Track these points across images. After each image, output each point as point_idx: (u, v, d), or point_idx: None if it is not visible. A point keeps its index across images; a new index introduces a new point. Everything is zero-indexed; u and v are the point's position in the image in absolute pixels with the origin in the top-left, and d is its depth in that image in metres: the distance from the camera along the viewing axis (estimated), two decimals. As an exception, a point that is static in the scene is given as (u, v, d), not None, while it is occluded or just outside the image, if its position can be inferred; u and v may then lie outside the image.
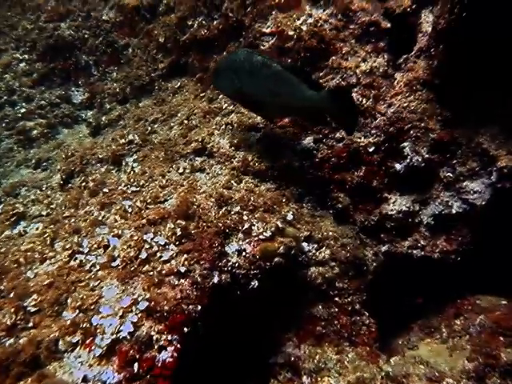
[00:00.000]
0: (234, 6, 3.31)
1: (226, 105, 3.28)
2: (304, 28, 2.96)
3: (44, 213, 3.14)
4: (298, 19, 3.00)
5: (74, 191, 3.12)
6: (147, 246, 2.27)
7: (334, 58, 2.86)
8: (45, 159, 4.15)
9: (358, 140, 2.72)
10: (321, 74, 2.89)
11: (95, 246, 2.39)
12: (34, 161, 4.21)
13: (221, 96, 3.45)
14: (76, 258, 2.33)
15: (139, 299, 1.93)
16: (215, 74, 2.92)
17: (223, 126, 3.14)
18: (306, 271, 2.44)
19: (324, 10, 2.96)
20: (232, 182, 2.77)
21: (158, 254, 2.23)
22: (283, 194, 2.72)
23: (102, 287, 2.09)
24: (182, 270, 2.13)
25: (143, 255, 2.22)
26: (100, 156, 3.43)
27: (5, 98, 4.67)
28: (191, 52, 3.73)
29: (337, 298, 2.44)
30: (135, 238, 2.32)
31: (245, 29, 3.29)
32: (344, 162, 2.72)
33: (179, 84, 3.86)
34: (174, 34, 3.77)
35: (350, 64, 2.83)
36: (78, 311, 1.96)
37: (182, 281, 2.06)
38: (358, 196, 2.73)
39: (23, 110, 4.55)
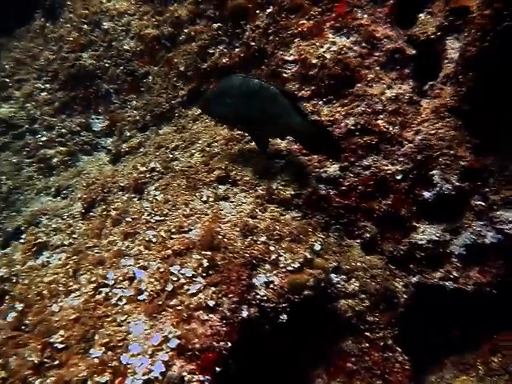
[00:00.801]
0: (255, 34, 3.34)
1: (249, 132, 3.26)
2: (328, 56, 2.96)
3: (66, 242, 3.12)
4: (322, 47, 3.01)
5: (96, 220, 3.09)
6: (174, 278, 2.22)
7: (359, 85, 2.85)
8: (65, 187, 4.18)
9: (385, 168, 2.67)
10: (345, 100, 2.87)
11: (120, 278, 2.34)
12: (53, 189, 4.24)
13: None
14: (101, 292, 2.28)
15: (169, 336, 1.86)
16: (209, 101, 3.01)
17: (246, 153, 3.12)
18: (335, 304, 2.36)
19: (348, 38, 2.96)
20: (257, 210, 2.73)
21: (186, 287, 2.17)
22: (309, 223, 2.67)
23: (130, 322, 2.03)
24: (211, 303, 2.07)
25: (170, 288, 2.16)
26: (121, 184, 3.42)
27: (26, 126, 4.76)
28: (212, 79, 3.76)
29: (368, 333, 2.35)
30: (161, 269, 2.27)
31: (267, 56, 3.31)
32: (371, 190, 2.67)
33: (199, 111, 3.87)
34: (195, 62, 3.81)
35: (375, 91, 2.81)
36: (105, 349, 1.90)
37: (211, 316, 2.00)
38: (386, 225, 2.67)
39: (44, 139, 4.62)
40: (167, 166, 3.39)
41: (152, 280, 2.22)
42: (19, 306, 2.53)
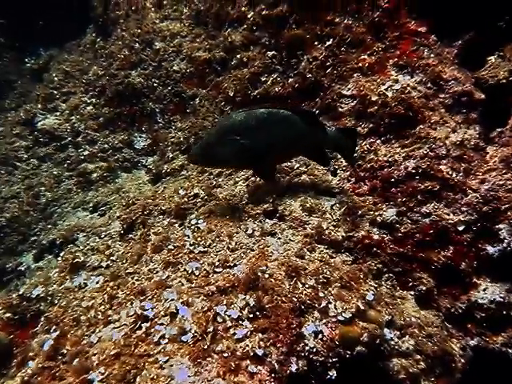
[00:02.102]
0: (312, 66, 3.26)
1: (298, 165, 3.15)
2: (389, 94, 2.85)
3: (104, 264, 3.05)
4: (383, 84, 2.90)
5: (136, 245, 3.02)
6: (220, 319, 2.10)
7: (421, 126, 2.72)
8: (103, 203, 4.15)
9: (447, 217, 2.51)
10: (406, 142, 2.74)
11: (162, 313, 2.23)
12: (91, 204, 4.22)
13: (291, 155, 3.35)
14: (142, 326, 2.17)
15: (218, 391, 1.73)
16: (207, 146, 2.80)
17: (295, 188, 3.00)
18: (387, 362, 2.18)
19: (412, 77, 2.85)
20: (305, 250, 2.60)
21: (232, 331, 2.05)
22: (360, 269, 2.51)
23: (172, 365, 1.92)
24: (259, 353, 1.93)
25: (215, 331, 2.04)
26: (163, 208, 3.35)
27: (69, 139, 4.79)
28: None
29: (423, 399, 2.15)
30: (206, 309, 2.15)
31: (323, 89, 3.22)
32: (430, 239, 2.50)
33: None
34: (245, 88, 3.75)
35: (439, 134, 2.67)
36: (147, 395, 1.78)
37: (259, 368, 1.86)
38: (444, 278, 2.49)
39: (86, 153, 4.63)
40: (210, 193, 3.31)
41: (196, 320, 2.10)
42: (55, 333, 2.46)
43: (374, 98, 2.91)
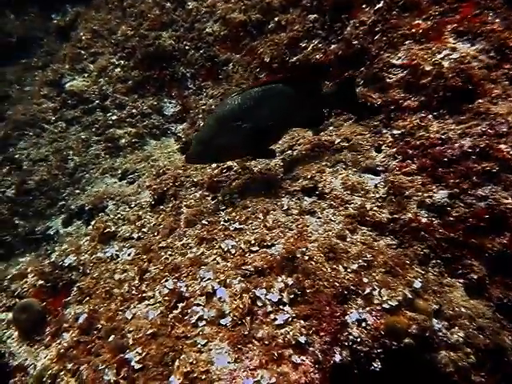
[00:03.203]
0: (359, 31, 3.00)
1: (339, 139, 2.96)
2: (446, 64, 2.59)
3: (135, 236, 2.99)
4: (439, 53, 2.64)
5: (168, 217, 2.93)
6: (259, 303, 2.01)
7: (481, 101, 2.48)
8: (131, 171, 4.05)
9: (505, 201, 2.30)
10: (462, 117, 2.51)
11: (198, 292, 2.16)
12: (119, 171, 4.13)
13: (330, 128, 3.15)
14: (177, 306, 2.10)
15: (262, 382, 1.65)
16: (209, 139, 2.63)
17: (335, 164, 2.83)
18: (434, 354, 2.06)
19: (473, 45, 2.58)
20: (346, 231, 2.46)
21: (272, 316, 1.96)
22: (406, 254, 2.36)
23: (211, 350, 1.85)
24: (302, 340, 1.84)
25: (255, 315, 1.95)
26: (194, 179, 3.24)
27: (97, 102, 4.66)
28: (299, 75, 3.45)
29: (471, 395, 2.04)
30: (245, 291, 2.06)
31: (369, 58, 2.97)
32: (484, 224, 2.31)
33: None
34: (283, 54, 3.52)
35: (500, 110, 2.43)
36: (187, 380, 1.72)
37: (303, 358, 1.77)
38: (497, 267, 2.31)
39: (114, 117, 4.50)
40: (244, 166, 3.17)
41: (235, 302, 2.02)
42: (88, 304, 2.43)
43: (427, 68, 2.66)
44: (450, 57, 2.60)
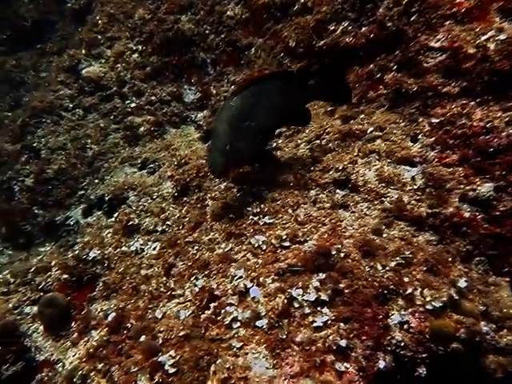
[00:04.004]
0: (393, 13, 2.82)
1: (372, 128, 2.81)
2: (491, 46, 2.42)
3: (159, 229, 2.91)
4: (484, 34, 2.46)
5: (193, 210, 2.84)
6: (296, 304, 1.91)
7: (529, 87, 2.30)
8: (151, 160, 3.95)
9: (556, 195, 2.15)
10: (510, 104, 2.34)
11: (230, 291, 2.07)
12: (139, 160, 4.03)
13: (361, 116, 3.00)
14: (209, 306, 2.01)
15: (307, 394, 1.56)
16: (230, 146, 2.51)
17: (368, 155, 2.69)
18: (482, 359, 1.94)
19: (523, 25, 2.39)
20: (383, 226, 2.33)
21: (310, 318, 1.86)
22: (447, 251, 2.23)
23: (248, 354, 1.76)
24: (343, 344, 1.74)
25: (292, 317, 1.85)
26: (219, 169, 3.11)
27: (115, 88, 4.55)
28: (327, 60, 3.29)
29: (522, 402, 1.93)
30: (280, 291, 1.96)
31: (404, 41, 2.79)
32: (533, 220, 2.17)
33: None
34: (309, 38, 3.35)
35: (551, 97, 2.25)
36: (224, 387, 1.64)
37: (346, 365, 1.67)
38: (546, 264, 2.18)
39: (133, 105, 4.39)
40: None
41: (270, 303, 1.92)
42: (114, 300, 2.36)
43: (470, 51, 2.48)
44: (497, 38, 2.42)
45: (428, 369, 1.83)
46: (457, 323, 1.89)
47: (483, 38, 2.45)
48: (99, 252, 2.83)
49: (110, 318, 2.22)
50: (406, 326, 1.90)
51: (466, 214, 2.29)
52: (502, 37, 2.39)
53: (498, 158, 2.28)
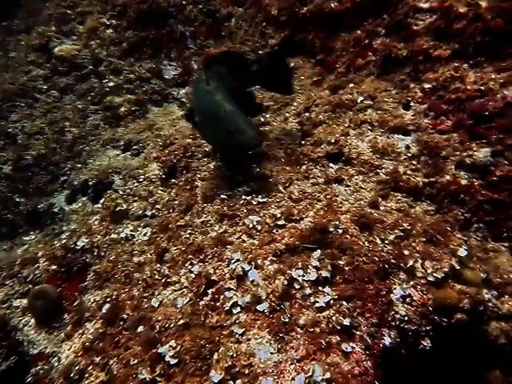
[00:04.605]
0: (380, -27, 2.68)
1: (362, 97, 2.72)
2: (483, 3, 2.32)
3: (149, 213, 2.80)
4: (475, -8, 2.35)
5: (183, 192, 2.73)
6: (297, 285, 1.86)
7: (525, 46, 2.22)
8: (135, 142, 3.80)
9: (553, 157, 2.11)
10: (503, 64, 2.27)
11: (227, 276, 2.00)
12: (122, 142, 3.88)
13: (350, 85, 2.89)
14: (207, 292, 1.95)
15: (316, 378, 1.51)
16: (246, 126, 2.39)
17: (360, 126, 2.60)
18: (485, 327, 1.93)
19: (515, -19, 2.29)
20: (379, 199, 2.28)
21: (312, 299, 1.82)
22: (446, 220, 2.20)
23: (250, 340, 1.71)
24: (347, 323, 1.70)
25: (294, 299, 1.81)
26: (206, 149, 3.01)
27: (90, 67, 4.32)
28: (311, 28, 3.16)
29: (525, 366, 1.93)
30: (280, 273, 1.90)
31: (392, 3, 2.67)
32: (532, 183, 2.13)
33: (292, 65, 3.31)
34: (291, 4, 3.19)
35: (547, 55, 2.18)
36: (229, 376, 1.59)
37: (352, 345, 1.64)
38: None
39: (111, 84, 4.19)
40: (259, 132, 2.93)
41: (270, 286, 1.86)
42: (107, 289, 2.28)
43: (461, 10, 2.39)
44: (489, -4, 2.31)
45: (433, 341, 1.81)
46: (460, 293, 1.86)
47: (475, -5, 2.34)
48: (87, 240, 2.73)
49: (104, 310, 2.14)
50: (408, 300, 1.87)
51: (463, 182, 2.24)
52: (495, -6, 2.29)
53: (494, 121, 2.22)
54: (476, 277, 1.94)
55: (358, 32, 2.86)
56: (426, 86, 2.50)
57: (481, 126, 2.25)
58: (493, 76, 2.28)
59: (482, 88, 2.28)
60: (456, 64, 2.42)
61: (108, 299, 2.19)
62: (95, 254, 2.68)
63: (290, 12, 3.21)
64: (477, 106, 2.27)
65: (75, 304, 2.45)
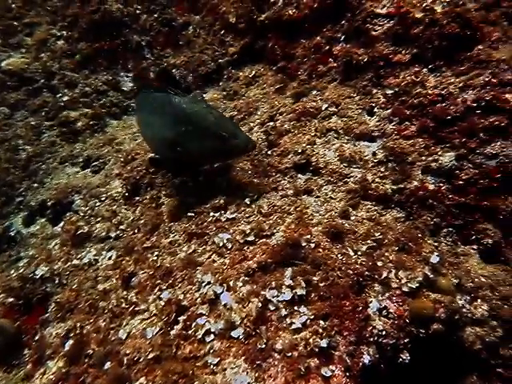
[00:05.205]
0: (336, -21, 2.66)
1: (326, 105, 2.69)
2: (438, 8, 2.33)
3: (113, 235, 2.67)
4: (430, -4, 2.36)
5: (148, 211, 2.61)
6: (272, 307, 1.79)
7: (480, 47, 2.26)
8: (95, 158, 3.64)
9: (516, 157, 2.13)
10: (461, 68, 2.29)
11: (199, 300, 1.91)
12: (81, 158, 3.71)
13: (314, 92, 2.86)
14: (178, 320, 1.85)
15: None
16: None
17: (326, 134, 2.57)
18: (460, 333, 1.93)
19: (466, -16, 2.31)
20: (349, 209, 2.25)
21: (288, 320, 1.75)
22: (416, 226, 2.19)
23: (226, 369, 1.63)
24: (324, 344, 1.65)
25: (270, 322, 1.73)
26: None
27: (42, 81, 4.11)
28: (271, 35, 3.11)
29: (501, 370, 1.93)
30: (253, 295, 1.82)
31: (350, 9, 2.66)
32: (497, 185, 2.15)
33: (254, 73, 3.25)
34: (249, 12, 3.13)
35: (502, 55, 2.21)
36: (206, 413, 1.50)
37: (332, 368, 1.58)
38: (511, 227, 2.18)
39: (66, 98, 4.00)
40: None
41: (244, 309, 1.79)
42: (71, 321, 2.14)
43: (418, 16, 2.39)
44: (442, 0, 2.33)
45: (411, 353, 1.78)
46: (435, 302, 1.85)
47: (429, 0, 2.35)
48: (47, 268, 2.57)
49: (67, 346, 2.00)
50: (384, 312, 1.84)
51: (431, 187, 2.24)
52: (448, -2, 2.31)
53: (457, 125, 2.23)
54: (449, 283, 1.93)
55: (318, 38, 2.83)
56: (388, 91, 2.50)
57: (444, 130, 2.26)
58: (452, 80, 2.30)
59: (443, 92, 2.29)
60: (416, 69, 2.43)
61: (71, 333, 2.04)
62: (56, 282, 2.53)
63: (248, 19, 3.15)
64: (439, 110, 2.28)
65: (36, 338, 2.29)
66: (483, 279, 2.05)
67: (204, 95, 3.43)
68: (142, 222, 2.58)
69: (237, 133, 2.25)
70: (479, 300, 1.99)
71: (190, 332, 1.78)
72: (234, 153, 2.32)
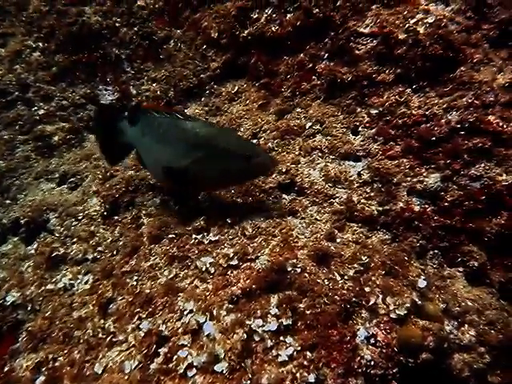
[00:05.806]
0: (319, -3, 2.64)
1: (310, 123, 2.66)
2: (421, 30, 2.33)
3: (90, 257, 2.56)
4: (412, 18, 2.37)
5: (128, 232, 2.52)
6: (257, 337, 1.72)
7: (463, 69, 2.26)
8: (72, 173, 3.51)
9: (500, 178, 2.14)
10: (445, 89, 2.29)
11: (180, 330, 1.82)
12: (57, 174, 3.58)
13: (297, 110, 2.83)
14: (159, 353, 1.76)
15: None
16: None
17: (311, 152, 2.53)
18: (448, 361, 1.89)
19: (447, 5, 2.33)
20: (335, 231, 2.20)
21: (274, 352, 1.68)
22: (402, 249, 2.16)
23: (210, 408, 1.54)
24: (311, 379, 1.58)
25: (255, 354, 1.66)
26: (151, 181, 2.81)
27: (17, 93, 3.97)
28: (254, 51, 3.06)
29: (489, 398, 1.91)
30: (238, 325, 1.75)
31: (333, 27, 2.64)
32: (481, 206, 2.14)
33: (236, 89, 3.20)
34: (232, 27, 3.09)
35: (484, 77, 2.22)
36: None
37: (321, 403, 1.51)
38: (496, 249, 2.17)
39: (41, 112, 3.86)
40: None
41: (228, 341, 1.71)
42: (42, 353, 2.02)
43: (401, 37, 2.38)
44: (425, 21, 2.34)
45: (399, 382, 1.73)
46: (423, 330, 1.81)
47: (412, 21, 2.36)
48: (19, 294, 2.44)
49: (38, 382, 1.88)
50: (372, 340, 1.79)
51: (416, 208, 2.22)
52: (430, 19, 2.32)
53: (441, 146, 2.22)
54: (436, 309, 1.90)
55: (301, 56, 2.80)
56: (373, 111, 2.48)
57: (429, 151, 2.25)
58: (436, 101, 2.29)
59: (427, 113, 2.28)
60: (400, 89, 2.41)
61: (43, 367, 1.92)
62: (29, 309, 2.40)
63: (230, 35, 3.10)
64: (423, 131, 2.27)
65: (4, 371, 2.15)
66: (470, 303, 2.03)
67: (185, 110, 3.36)
68: (121, 243, 2.48)
69: (259, 151, 2.18)
70: (466, 325, 1.96)
71: (170, 366, 1.69)
72: (258, 172, 2.25)
